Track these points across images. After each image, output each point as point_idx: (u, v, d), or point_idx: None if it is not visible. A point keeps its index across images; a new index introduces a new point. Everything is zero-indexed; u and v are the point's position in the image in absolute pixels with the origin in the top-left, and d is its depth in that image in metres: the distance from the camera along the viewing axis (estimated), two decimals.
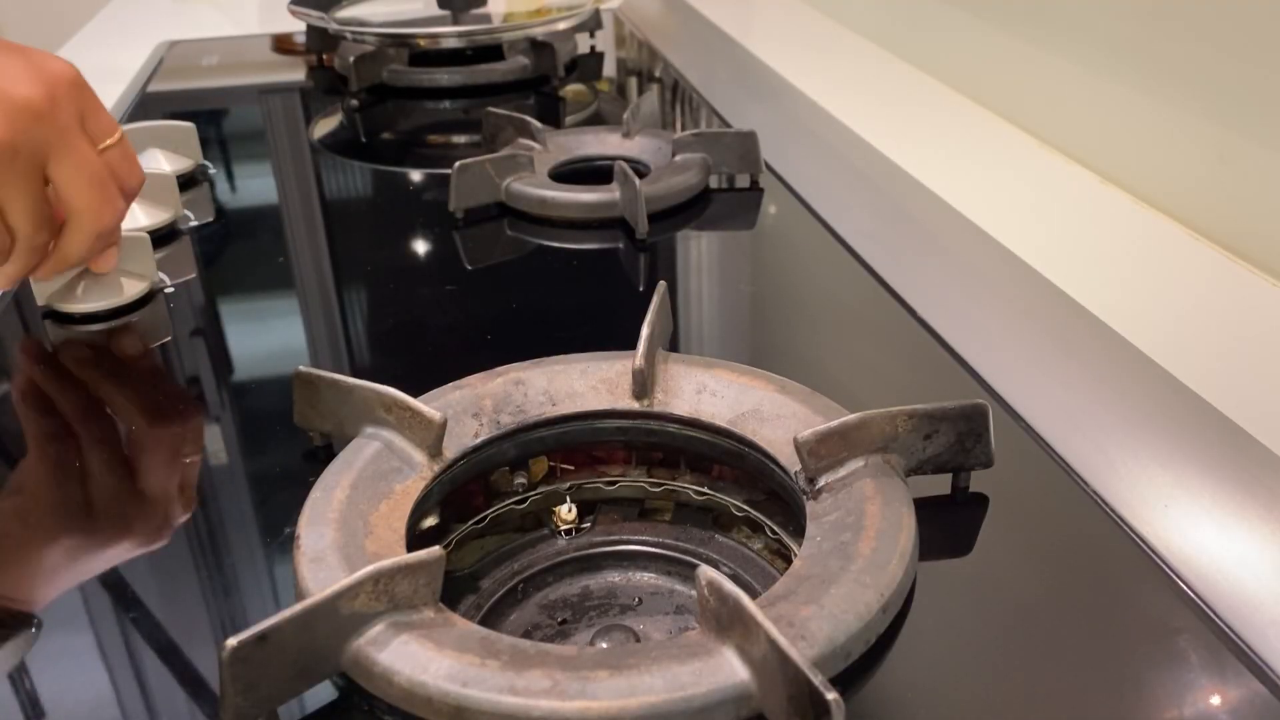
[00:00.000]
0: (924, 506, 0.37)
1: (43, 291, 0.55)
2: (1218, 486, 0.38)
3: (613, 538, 0.41)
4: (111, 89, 0.93)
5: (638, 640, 0.36)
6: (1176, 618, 0.34)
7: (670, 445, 0.42)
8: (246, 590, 0.37)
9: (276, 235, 0.68)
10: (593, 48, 1.06)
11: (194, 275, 0.60)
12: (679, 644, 0.30)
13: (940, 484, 0.39)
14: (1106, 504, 0.39)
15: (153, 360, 0.53)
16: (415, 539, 0.37)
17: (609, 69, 1.03)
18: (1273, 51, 0.50)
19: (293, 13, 0.98)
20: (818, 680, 0.26)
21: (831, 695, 0.26)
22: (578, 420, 0.42)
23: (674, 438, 0.42)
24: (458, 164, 0.64)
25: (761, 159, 0.69)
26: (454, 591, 0.38)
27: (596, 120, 0.86)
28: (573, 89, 0.95)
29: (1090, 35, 0.64)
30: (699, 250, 0.63)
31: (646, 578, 0.40)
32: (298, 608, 0.29)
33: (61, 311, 0.55)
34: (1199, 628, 0.33)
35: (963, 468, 0.39)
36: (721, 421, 0.41)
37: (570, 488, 0.42)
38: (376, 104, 0.91)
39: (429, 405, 0.39)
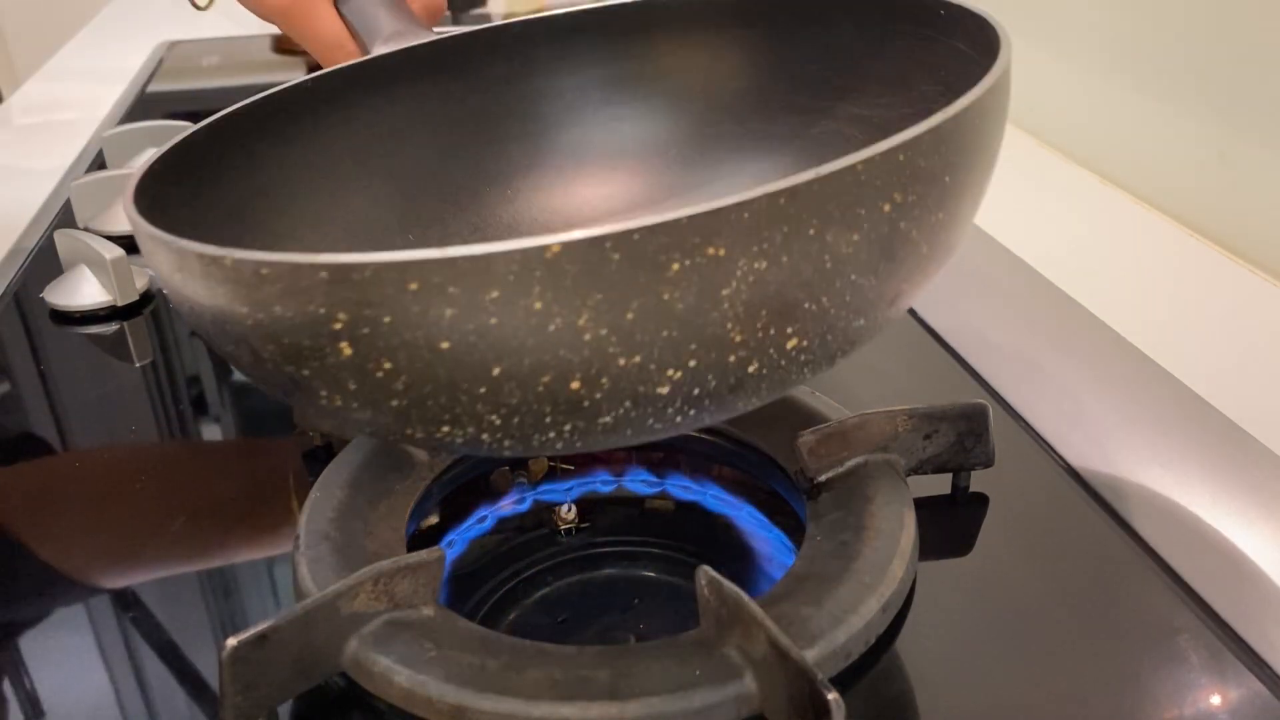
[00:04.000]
0: (924, 506, 0.37)
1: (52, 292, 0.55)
2: (1218, 486, 0.38)
3: (613, 538, 0.41)
4: (111, 89, 0.93)
5: (638, 640, 0.36)
6: (1177, 617, 0.34)
7: (670, 445, 0.42)
8: (246, 590, 0.37)
9: None
10: None
11: None
12: (679, 644, 0.30)
13: (940, 484, 0.39)
14: (1107, 504, 0.39)
15: (154, 359, 0.53)
16: (415, 539, 0.37)
17: None
18: (1273, 51, 0.50)
19: None
20: (818, 680, 0.26)
21: (832, 695, 0.26)
22: None
23: (674, 438, 0.42)
24: None
25: None
26: (454, 591, 0.38)
27: None
28: None
29: (1089, 34, 0.64)
30: None
31: (647, 577, 0.40)
32: (297, 608, 0.29)
33: (61, 310, 0.55)
34: (1199, 627, 0.33)
35: (963, 467, 0.39)
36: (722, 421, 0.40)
37: (570, 488, 0.42)
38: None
39: None
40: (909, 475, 0.38)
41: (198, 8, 0.59)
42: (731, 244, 0.23)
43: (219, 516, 0.41)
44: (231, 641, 0.28)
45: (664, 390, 0.25)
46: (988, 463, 0.39)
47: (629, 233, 0.23)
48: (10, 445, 0.46)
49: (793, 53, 0.43)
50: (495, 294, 0.23)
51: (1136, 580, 0.35)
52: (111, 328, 0.54)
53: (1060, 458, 0.41)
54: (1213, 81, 0.54)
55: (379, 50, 0.45)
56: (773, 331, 0.25)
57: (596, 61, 0.45)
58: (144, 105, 0.90)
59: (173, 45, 1.08)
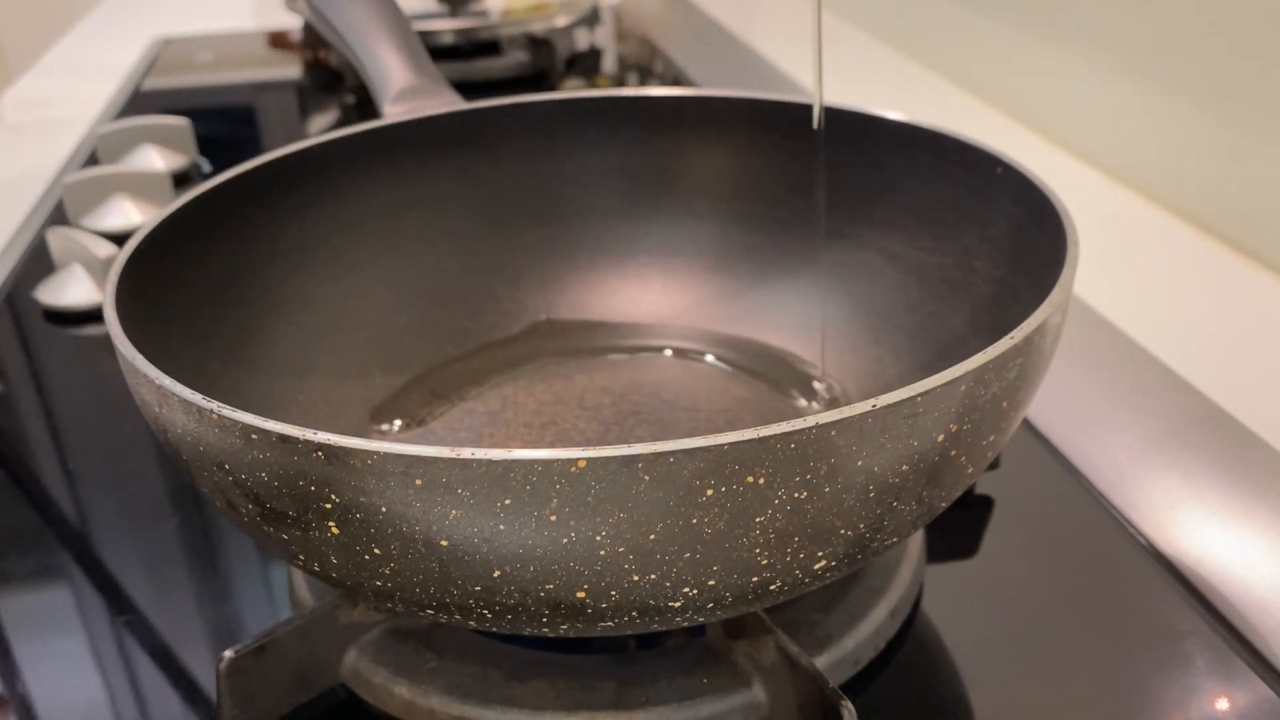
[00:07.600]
0: None
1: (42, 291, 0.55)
2: (1225, 489, 0.37)
3: None
4: (104, 86, 0.92)
5: (642, 648, 0.36)
6: (1183, 621, 0.33)
7: None
8: (242, 599, 0.37)
9: None
10: (592, 44, 1.05)
11: None
12: (686, 651, 0.30)
13: None
14: (1113, 506, 0.39)
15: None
16: None
17: (608, 65, 1.02)
18: None
19: (289, 8, 0.98)
20: (829, 687, 0.26)
21: (845, 703, 0.26)
22: None
23: None
24: None
25: None
26: None
27: None
28: (572, 85, 0.94)
29: (1097, 33, 0.63)
30: None
31: None
32: (295, 617, 0.29)
33: (54, 310, 0.54)
34: (1206, 631, 0.33)
35: None
36: None
37: None
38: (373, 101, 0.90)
39: None
40: None
41: None
42: (773, 473, 0.22)
43: (214, 521, 0.40)
44: (228, 653, 0.28)
45: (676, 604, 0.24)
46: (994, 465, 0.38)
47: (664, 455, 0.21)
48: (3, 446, 0.46)
49: (831, 174, 0.40)
50: (508, 501, 0.21)
51: (1143, 584, 0.35)
52: (105, 327, 0.54)
53: (1066, 460, 0.41)
54: (1220, 78, 0.54)
55: (392, 107, 0.42)
56: (802, 556, 0.23)
57: (619, 148, 0.43)
58: (138, 102, 0.89)
59: (167, 42, 1.07)
